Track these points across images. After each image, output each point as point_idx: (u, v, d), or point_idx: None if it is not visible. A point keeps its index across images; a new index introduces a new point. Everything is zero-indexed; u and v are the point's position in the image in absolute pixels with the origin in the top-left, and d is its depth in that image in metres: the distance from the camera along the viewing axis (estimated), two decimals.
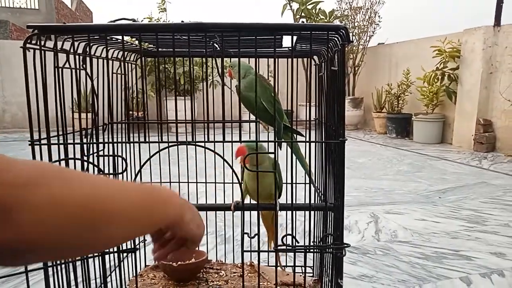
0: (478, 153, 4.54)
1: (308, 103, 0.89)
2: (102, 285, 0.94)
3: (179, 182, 1.23)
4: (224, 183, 1.25)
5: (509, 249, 1.82)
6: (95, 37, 0.80)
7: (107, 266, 0.97)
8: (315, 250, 0.81)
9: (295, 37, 0.79)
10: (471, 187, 3.02)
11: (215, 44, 0.84)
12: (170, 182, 1.23)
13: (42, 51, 0.74)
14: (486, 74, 4.68)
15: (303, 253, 0.77)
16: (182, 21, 0.66)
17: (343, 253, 0.71)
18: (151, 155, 0.70)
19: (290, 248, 0.70)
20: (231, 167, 0.79)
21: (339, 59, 0.71)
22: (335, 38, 0.73)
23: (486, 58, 4.65)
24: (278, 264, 1.10)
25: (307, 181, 1.02)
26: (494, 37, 4.63)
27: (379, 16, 6.77)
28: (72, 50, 0.79)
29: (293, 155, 0.85)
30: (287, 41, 0.91)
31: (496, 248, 1.83)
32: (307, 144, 0.77)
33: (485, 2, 4.79)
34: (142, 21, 6.58)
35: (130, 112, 1.11)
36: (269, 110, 0.94)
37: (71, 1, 17.21)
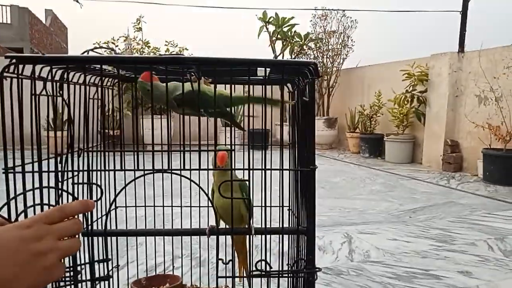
0: (447, 172, 4.71)
1: (281, 128, 0.92)
2: None
3: (154, 206, 1.23)
4: (199, 206, 1.26)
5: (475, 268, 1.89)
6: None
7: None
8: (288, 275, 0.83)
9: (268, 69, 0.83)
10: (440, 206, 3.13)
11: (192, 73, 0.87)
12: (145, 206, 1.23)
13: (20, 79, 0.74)
14: (453, 97, 4.91)
15: (277, 279, 0.79)
16: (160, 55, 0.68)
17: (315, 277, 0.73)
18: (126, 183, 0.71)
19: (264, 273, 0.71)
20: (207, 195, 0.81)
21: (309, 91, 0.75)
22: (306, 71, 0.78)
23: (452, 82, 4.89)
24: None
25: (282, 204, 1.04)
26: (458, 62, 4.88)
27: (351, 40, 7.03)
28: (49, 77, 0.80)
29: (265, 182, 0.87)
30: (261, 70, 0.95)
31: (463, 267, 1.90)
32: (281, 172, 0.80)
33: (451, 29, 5.07)
34: (117, 40, 6.56)
35: (106, 131, 1.11)
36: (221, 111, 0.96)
37: (46, 16, 16.97)
